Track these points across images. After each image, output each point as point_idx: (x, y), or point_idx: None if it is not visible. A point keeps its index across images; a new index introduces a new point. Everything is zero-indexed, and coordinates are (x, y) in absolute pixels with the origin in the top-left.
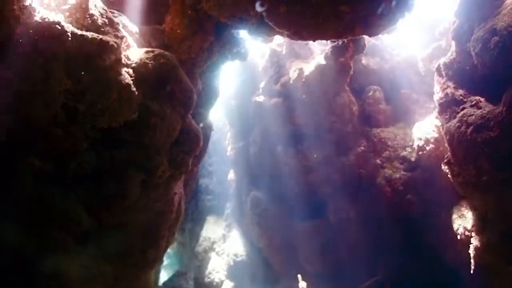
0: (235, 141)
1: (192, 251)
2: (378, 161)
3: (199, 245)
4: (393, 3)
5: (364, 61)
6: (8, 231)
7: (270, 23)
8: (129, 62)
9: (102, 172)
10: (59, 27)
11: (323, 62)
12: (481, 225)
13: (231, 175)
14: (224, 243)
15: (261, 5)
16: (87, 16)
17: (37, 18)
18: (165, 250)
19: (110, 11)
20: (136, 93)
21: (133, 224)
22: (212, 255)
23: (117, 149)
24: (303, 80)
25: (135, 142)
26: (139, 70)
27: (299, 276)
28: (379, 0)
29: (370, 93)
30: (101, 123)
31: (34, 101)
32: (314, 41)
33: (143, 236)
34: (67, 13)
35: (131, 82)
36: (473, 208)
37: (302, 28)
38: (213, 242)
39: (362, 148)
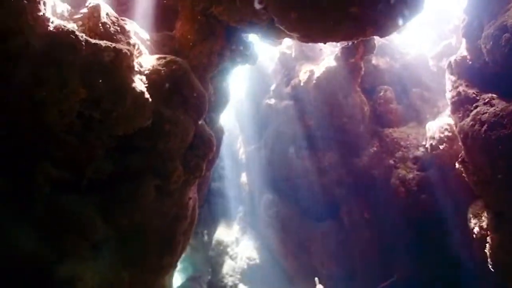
0: (247, 144)
1: (205, 255)
2: (391, 161)
3: (212, 249)
4: (403, 3)
5: (374, 61)
6: (25, 238)
7: (281, 27)
8: (142, 69)
9: (118, 179)
10: (74, 36)
11: (333, 63)
12: (497, 224)
13: (244, 178)
14: (238, 247)
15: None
16: (100, 24)
17: (52, 27)
18: (180, 255)
19: (121, 19)
20: (150, 100)
21: (149, 230)
22: (226, 258)
23: (132, 156)
24: (314, 82)
25: (150, 148)
26: (152, 77)
27: (316, 279)
28: (390, 1)
29: (381, 93)
30: (116, 130)
31: (50, 110)
32: (324, 43)
33: (159, 241)
34: (80, 22)
35: (145, 89)
36: (489, 207)
37: (312, 32)
38: (226, 246)
39: (375, 149)
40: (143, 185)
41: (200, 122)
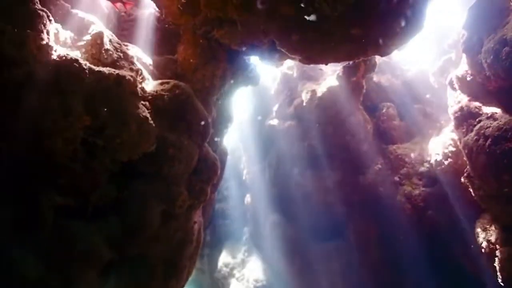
0: (250, 164)
1: (211, 277)
2: (396, 178)
3: (218, 271)
4: (403, 23)
5: (375, 78)
6: (31, 266)
7: (283, 50)
8: (145, 95)
9: (123, 204)
10: (77, 65)
11: (335, 82)
12: (505, 237)
13: (248, 198)
14: (244, 269)
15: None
16: (103, 51)
17: (55, 56)
18: (186, 279)
19: (124, 44)
20: (154, 125)
21: (155, 255)
22: (232, 281)
23: (136, 181)
24: (316, 101)
25: (154, 174)
26: (156, 102)
27: None
28: (390, 21)
29: (384, 110)
30: (120, 157)
31: (54, 138)
32: (326, 64)
33: (164, 266)
34: (83, 49)
35: (148, 115)
36: (496, 221)
37: (314, 54)
38: (233, 268)
39: (379, 166)
40: (148, 211)
41: (204, 146)
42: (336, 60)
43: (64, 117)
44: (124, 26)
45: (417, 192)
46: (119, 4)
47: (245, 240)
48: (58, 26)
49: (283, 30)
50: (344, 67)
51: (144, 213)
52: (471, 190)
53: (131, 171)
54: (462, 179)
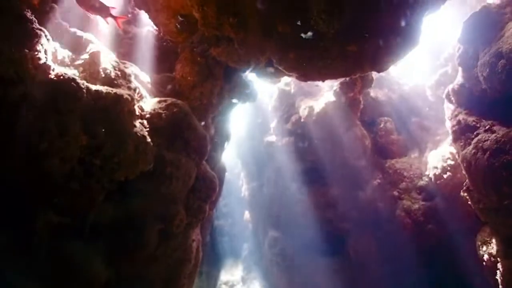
0: (249, 181)
1: None
2: (395, 193)
3: None
4: (399, 39)
5: (372, 93)
6: None
7: (280, 68)
8: (143, 113)
9: (120, 223)
10: (74, 84)
11: (332, 98)
12: (506, 250)
13: (247, 215)
14: (244, 286)
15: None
16: (100, 70)
17: (52, 75)
18: None
19: (122, 62)
20: (151, 144)
21: (153, 274)
22: None
23: (134, 199)
24: (314, 117)
25: (152, 192)
26: (153, 120)
27: None
28: (386, 37)
29: (381, 125)
30: (118, 176)
31: (51, 158)
32: (323, 81)
33: (163, 285)
34: (81, 68)
35: (146, 133)
36: (497, 233)
37: (311, 71)
38: (232, 286)
39: (378, 181)
40: (146, 230)
41: (202, 164)
42: (333, 77)
43: (60, 136)
44: (122, 44)
45: (416, 206)
46: (109, 19)
47: (244, 257)
48: (56, 44)
49: (280, 48)
50: (341, 82)
51: (142, 232)
52: (470, 204)
53: (129, 190)
54: (462, 193)
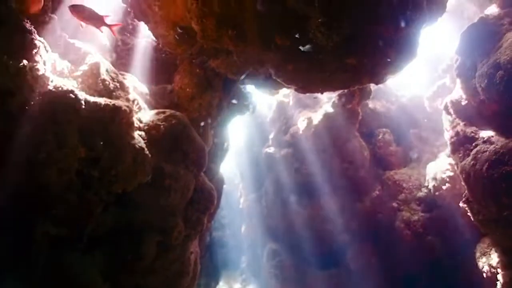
0: (247, 193)
1: None
2: (394, 204)
3: None
4: (397, 52)
5: (371, 104)
6: None
7: (278, 80)
8: (141, 125)
9: (118, 235)
10: (73, 96)
11: (331, 110)
12: (506, 261)
13: (245, 227)
14: None
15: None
16: (99, 81)
17: (51, 87)
18: None
19: (120, 73)
20: (150, 156)
21: (150, 287)
22: None
23: (132, 211)
24: (312, 129)
25: (150, 204)
26: (151, 132)
27: None
28: (385, 50)
29: (380, 136)
30: (116, 188)
31: (48, 170)
32: (322, 93)
33: None
34: (80, 80)
35: (144, 145)
36: (497, 244)
37: (310, 83)
38: None
39: (377, 193)
40: (144, 242)
41: (200, 176)
42: (332, 89)
43: (58, 148)
44: (121, 55)
45: (416, 217)
46: (103, 28)
47: (243, 269)
48: (56, 55)
49: (279, 60)
50: (339, 94)
51: (140, 244)
52: (470, 215)
53: (127, 201)
54: (461, 204)
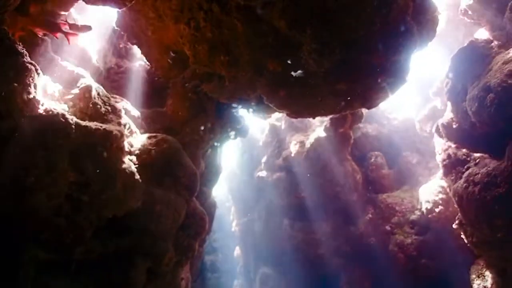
0: (239, 216)
1: None
2: (387, 227)
3: None
4: (388, 77)
5: (362, 128)
6: None
7: (270, 105)
8: (132, 149)
9: (107, 260)
10: (63, 120)
11: (323, 134)
12: (501, 282)
13: (238, 251)
14: None
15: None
16: (91, 105)
17: (41, 110)
18: None
19: (112, 97)
20: (140, 181)
21: None
22: None
23: (122, 237)
24: (305, 153)
25: (140, 230)
26: (143, 157)
27: None
28: (375, 76)
29: (372, 159)
30: (106, 213)
31: (37, 193)
32: (313, 118)
33: None
34: (71, 103)
35: (135, 170)
36: (491, 266)
37: (302, 108)
38: None
39: (370, 216)
40: (134, 268)
41: (191, 201)
42: (323, 114)
43: (48, 172)
44: (114, 78)
45: (409, 240)
46: (59, 34)
47: None
48: (47, 78)
49: (271, 85)
50: (331, 118)
51: (129, 271)
52: (463, 237)
53: (117, 226)
54: (454, 226)
